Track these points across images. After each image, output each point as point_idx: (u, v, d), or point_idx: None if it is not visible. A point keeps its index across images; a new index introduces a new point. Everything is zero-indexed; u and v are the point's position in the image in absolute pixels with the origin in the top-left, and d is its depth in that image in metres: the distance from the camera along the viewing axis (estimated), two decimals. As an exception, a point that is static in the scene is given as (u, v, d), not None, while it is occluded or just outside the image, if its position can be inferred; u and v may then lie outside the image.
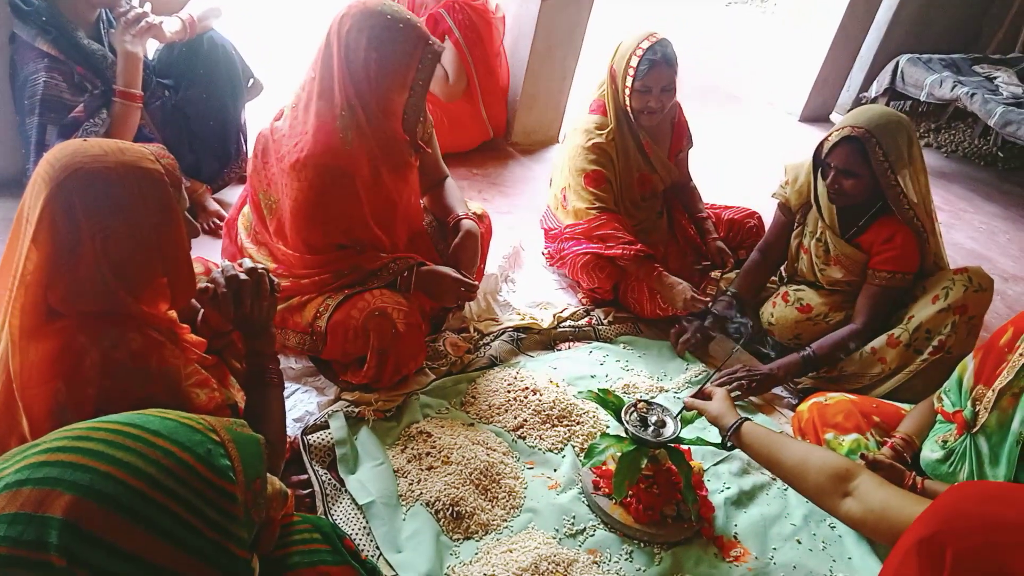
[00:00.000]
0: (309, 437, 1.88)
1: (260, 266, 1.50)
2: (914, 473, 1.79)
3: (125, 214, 1.18)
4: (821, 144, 2.29)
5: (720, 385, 2.24)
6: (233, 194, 2.88)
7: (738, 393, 2.28)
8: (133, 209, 1.19)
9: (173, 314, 1.40)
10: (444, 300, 2.21)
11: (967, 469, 1.73)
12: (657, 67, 2.45)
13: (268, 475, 1.13)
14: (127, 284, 1.22)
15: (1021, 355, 1.63)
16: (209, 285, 1.45)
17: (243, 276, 1.45)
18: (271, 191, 2.04)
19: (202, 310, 1.64)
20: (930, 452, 1.83)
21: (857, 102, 5.19)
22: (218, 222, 2.72)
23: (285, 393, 2.01)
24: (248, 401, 1.48)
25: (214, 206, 2.77)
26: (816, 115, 5.32)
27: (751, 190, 3.54)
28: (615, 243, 2.50)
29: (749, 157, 4.45)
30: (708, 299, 2.49)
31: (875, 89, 4.98)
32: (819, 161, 2.31)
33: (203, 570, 0.68)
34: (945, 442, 1.78)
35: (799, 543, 1.89)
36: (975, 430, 1.69)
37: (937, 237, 2.35)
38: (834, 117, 5.45)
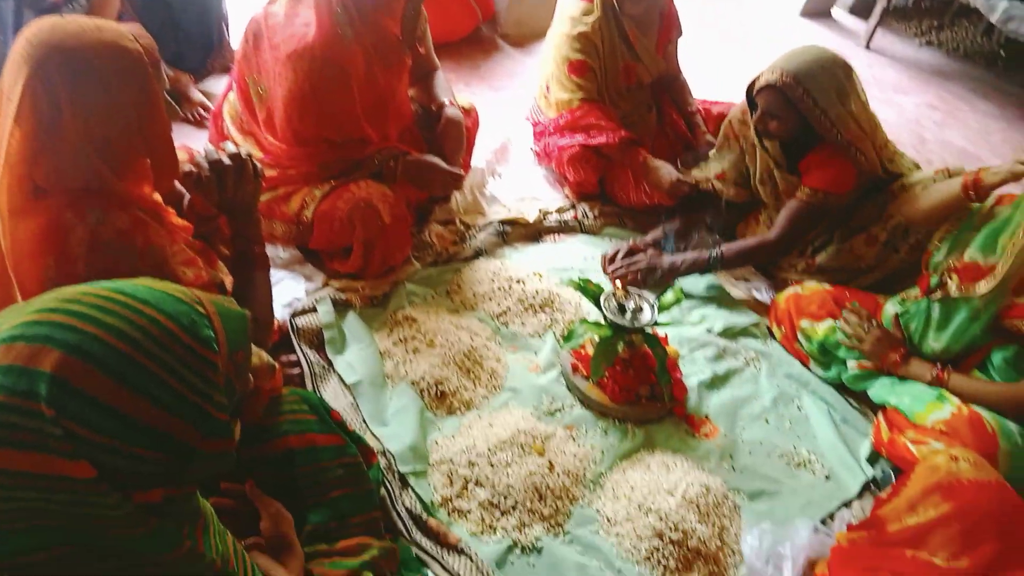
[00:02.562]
0: (297, 320, 1.94)
1: (243, 150, 1.52)
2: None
3: (105, 91, 1.19)
4: (753, 82, 2.23)
5: (615, 270, 2.29)
6: (216, 84, 2.85)
7: (631, 278, 2.29)
8: (112, 87, 1.20)
9: (158, 197, 1.43)
10: (431, 189, 2.23)
11: (913, 326, 1.95)
12: None
13: (256, 349, 1.19)
14: (110, 162, 1.24)
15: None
16: (192, 168, 1.47)
17: (226, 160, 1.46)
18: (261, 79, 2.02)
19: (187, 195, 1.67)
20: (891, 306, 1.98)
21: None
22: (202, 112, 2.70)
23: (273, 280, 2.05)
24: (235, 282, 1.53)
25: (198, 96, 2.74)
26: (817, 9, 5.17)
27: (745, 86, 3.49)
28: (599, 132, 2.50)
29: (746, 52, 4.36)
30: (694, 182, 2.51)
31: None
32: (750, 98, 2.27)
33: (184, 429, 0.72)
34: (904, 300, 1.93)
35: (767, 422, 2.00)
36: (935, 296, 1.85)
37: (889, 150, 2.32)
38: (835, 12, 5.30)
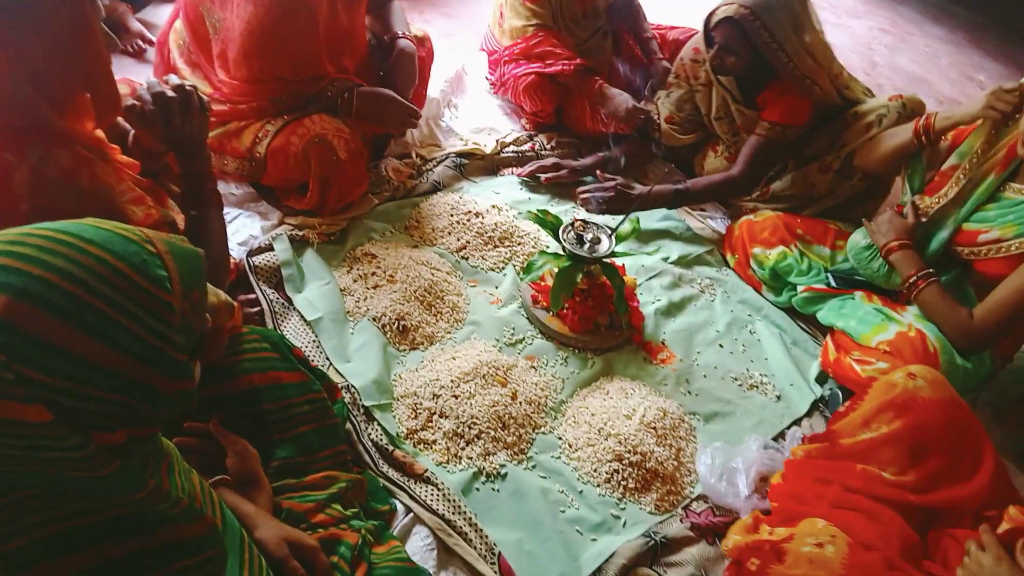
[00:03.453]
0: (254, 259, 1.91)
1: (187, 83, 1.46)
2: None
3: (36, 21, 1.13)
4: (709, 15, 2.20)
5: (584, 193, 2.27)
6: (155, 14, 2.72)
7: (599, 205, 2.27)
8: (44, 16, 1.14)
9: (100, 133, 1.38)
10: (386, 125, 2.19)
11: (877, 264, 1.97)
12: None
13: (214, 288, 1.18)
14: (48, 98, 1.19)
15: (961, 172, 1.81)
16: (135, 103, 1.42)
17: (170, 92, 1.41)
18: (215, 8, 1.92)
19: (132, 131, 1.61)
20: (860, 237, 2.01)
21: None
22: (141, 44, 2.58)
23: (228, 218, 2.03)
24: (187, 220, 1.49)
25: (137, 26, 2.61)
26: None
27: (701, 11, 3.45)
28: (555, 60, 2.46)
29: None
30: (650, 110, 2.51)
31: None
32: (707, 31, 2.24)
33: (141, 370, 0.71)
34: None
35: (721, 347, 2.06)
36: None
37: (843, 78, 2.33)
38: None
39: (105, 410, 0.70)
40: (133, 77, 1.93)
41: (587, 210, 2.27)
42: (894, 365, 1.76)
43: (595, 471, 1.65)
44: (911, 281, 1.84)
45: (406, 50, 2.18)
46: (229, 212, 2.06)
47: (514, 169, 2.57)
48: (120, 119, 1.54)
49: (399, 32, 2.22)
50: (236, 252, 1.93)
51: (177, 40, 2.05)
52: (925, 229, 1.91)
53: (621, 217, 2.03)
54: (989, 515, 1.33)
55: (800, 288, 2.13)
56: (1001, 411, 1.98)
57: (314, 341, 1.78)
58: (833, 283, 2.12)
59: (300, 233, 2.03)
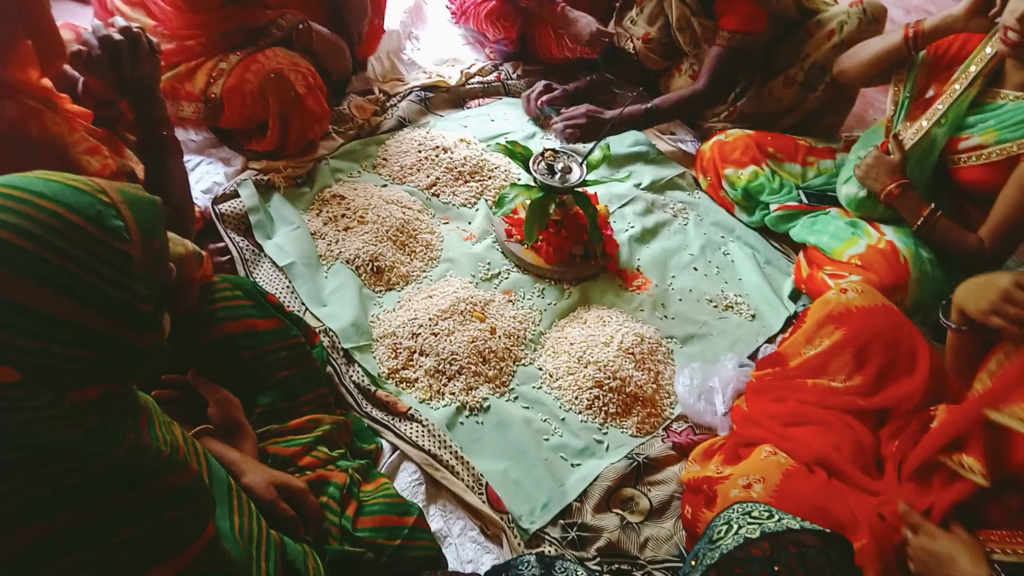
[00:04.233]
0: (220, 207, 1.87)
1: (135, 24, 1.40)
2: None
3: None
4: None
5: (556, 123, 2.29)
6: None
7: (572, 132, 2.29)
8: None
9: (47, 82, 1.32)
10: (337, 67, 2.13)
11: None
12: None
13: (180, 238, 1.15)
14: (-14, 48, 1.13)
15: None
16: (81, 48, 1.36)
17: (116, 35, 1.35)
18: None
19: (81, 79, 1.54)
20: (856, 189, 1.95)
21: None
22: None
23: (189, 166, 1.98)
24: (147, 170, 1.45)
25: (74, -33, 2.48)
26: None
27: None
28: (515, -17, 2.39)
29: None
30: (615, 33, 2.46)
31: None
32: None
33: (106, 323, 0.70)
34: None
35: (695, 270, 2.07)
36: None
37: None
38: None
39: (73, 366, 0.69)
40: (76, 21, 1.85)
41: (561, 140, 2.25)
42: (866, 278, 1.78)
43: (576, 399, 1.67)
44: (919, 223, 1.82)
45: None
46: (190, 160, 2.01)
47: (481, 100, 2.51)
48: (67, 66, 1.47)
49: None
50: (201, 200, 1.89)
51: (111, -23, 1.95)
52: (916, 158, 1.85)
53: (591, 145, 2.01)
54: (934, 412, 1.37)
55: (773, 207, 2.13)
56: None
57: (288, 287, 1.76)
58: (805, 200, 2.12)
59: (265, 178, 1.98)
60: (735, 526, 0.85)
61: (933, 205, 1.80)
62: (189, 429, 1.13)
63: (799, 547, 0.82)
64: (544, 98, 2.40)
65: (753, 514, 0.86)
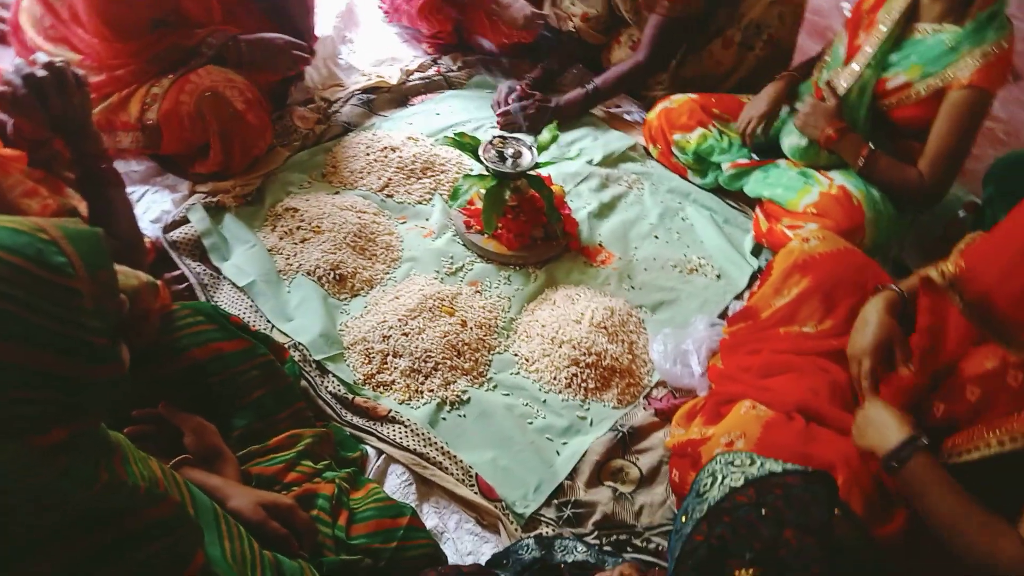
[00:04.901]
0: (171, 235, 1.83)
1: (58, 59, 1.36)
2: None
3: None
4: None
5: (504, 115, 2.30)
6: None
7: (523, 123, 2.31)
8: None
9: (-27, 129, 1.28)
10: (277, 70, 2.09)
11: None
12: None
13: (133, 271, 1.13)
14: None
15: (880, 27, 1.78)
16: (5, 89, 1.32)
17: (40, 72, 1.31)
18: None
19: (11, 121, 1.50)
20: (796, 139, 1.97)
21: None
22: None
23: (134, 197, 1.94)
24: (90, 206, 1.41)
25: (-11, 9, 2.41)
26: None
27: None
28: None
29: None
30: (548, 15, 2.47)
31: None
32: None
33: (62, 362, 0.68)
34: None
35: (656, 238, 2.09)
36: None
37: None
38: None
39: (33, 411, 0.67)
40: (-4, 64, 1.80)
41: (512, 129, 2.25)
42: (824, 225, 1.81)
43: (555, 379, 1.67)
44: (860, 164, 1.85)
45: None
46: (134, 190, 1.97)
47: (424, 96, 2.50)
48: (-7, 110, 1.43)
49: None
50: (150, 230, 1.85)
51: (30, 19, 1.89)
52: (850, 101, 1.88)
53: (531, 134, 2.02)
54: None
55: (724, 166, 2.15)
56: (928, 251, 2.07)
57: (251, 306, 1.74)
58: (755, 156, 2.15)
59: (214, 199, 1.95)
60: (719, 476, 0.87)
61: (871, 144, 1.84)
62: (166, 462, 1.11)
63: (784, 488, 0.83)
64: (512, 97, 2.36)
65: (735, 462, 0.88)
